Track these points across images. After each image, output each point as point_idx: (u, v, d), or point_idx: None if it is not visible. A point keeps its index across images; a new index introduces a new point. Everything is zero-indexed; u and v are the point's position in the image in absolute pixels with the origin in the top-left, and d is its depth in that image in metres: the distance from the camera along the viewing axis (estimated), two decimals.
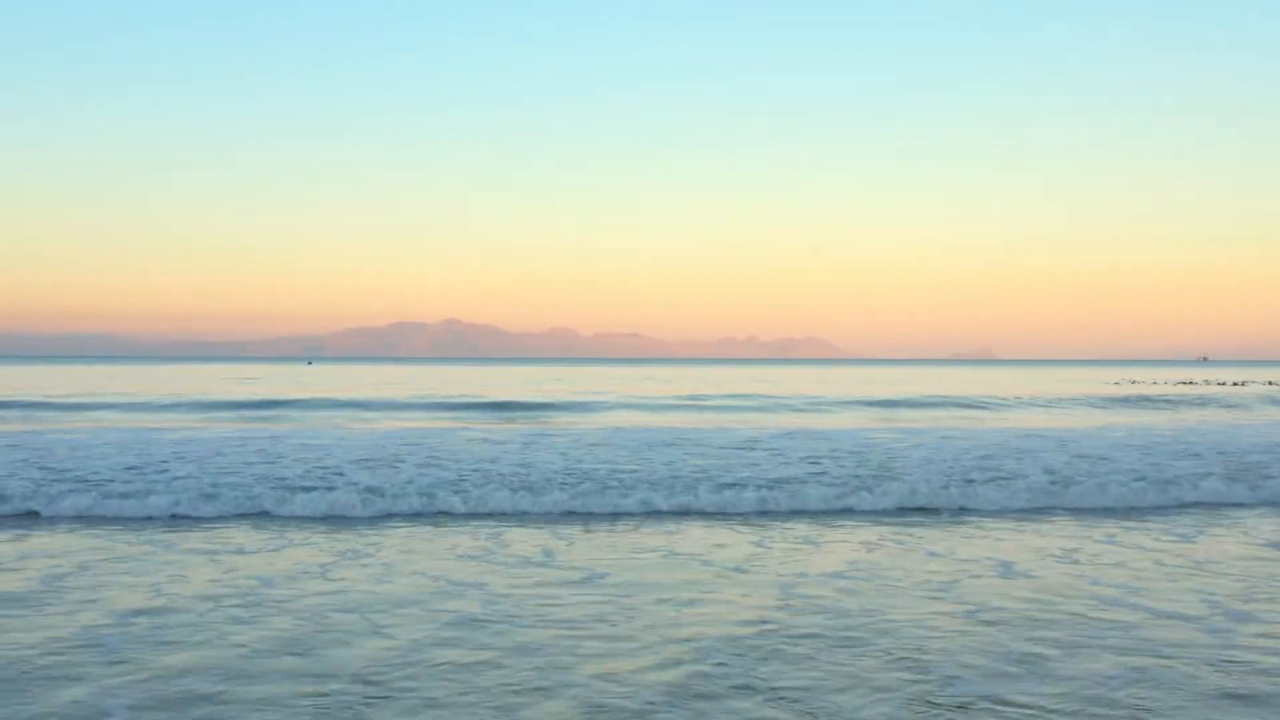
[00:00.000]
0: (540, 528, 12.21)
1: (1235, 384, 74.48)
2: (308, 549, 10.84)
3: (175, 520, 12.70)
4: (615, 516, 13.01)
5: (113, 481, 14.76)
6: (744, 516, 13.01)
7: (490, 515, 13.04)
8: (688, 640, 7.20)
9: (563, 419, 33.83)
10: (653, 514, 13.19)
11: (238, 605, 8.28)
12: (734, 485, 13.98)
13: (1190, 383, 75.25)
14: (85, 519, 12.74)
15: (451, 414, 37.23)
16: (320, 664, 6.63)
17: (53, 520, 12.63)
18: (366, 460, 18.26)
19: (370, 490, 13.89)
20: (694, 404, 42.95)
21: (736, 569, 9.81)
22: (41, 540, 11.25)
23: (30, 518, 12.79)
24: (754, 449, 20.10)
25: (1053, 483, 14.35)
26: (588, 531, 11.92)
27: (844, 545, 11.07)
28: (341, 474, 15.92)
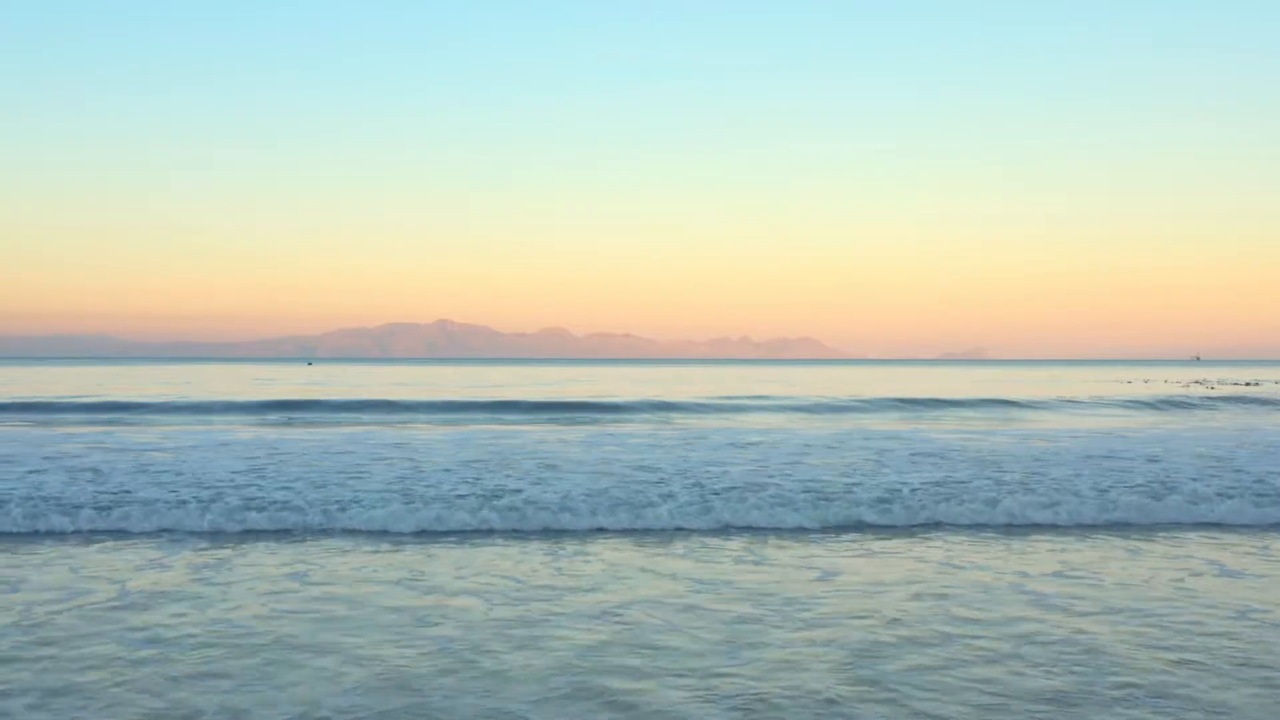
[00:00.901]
0: (730, 532, 12.35)
1: (1248, 384, 74.77)
2: (508, 549, 10.94)
3: (346, 533, 12.75)
4: (794, 527, 13.12)
5: (247, 487, 14.83)
6: (909, 527, 12.88)
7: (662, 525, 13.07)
8: (955, 627, 7.36)
9: (613, 420, 33.87)
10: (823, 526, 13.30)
11: (505, 601, 8.41)
12: (886, 496, 13.85)
13: (1203, 382, 75.49)
14: (213, 533, 12.79)
15: (496, 415, 36.98)
16: (632, 650, 6.78)
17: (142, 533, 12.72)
18: (473, 462, 18.31)
19: (528, 501, 13.52)
20: (729, 404, 42.82)
21: (948, 564, 9.99)
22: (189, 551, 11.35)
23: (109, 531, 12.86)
24: (848, 449, 20.13)
25: (1196, 493, 14.38)
26: (764, 539, 12.09)
27: (1041, 547, 11.21)
28: (473, 481, 15.54)
